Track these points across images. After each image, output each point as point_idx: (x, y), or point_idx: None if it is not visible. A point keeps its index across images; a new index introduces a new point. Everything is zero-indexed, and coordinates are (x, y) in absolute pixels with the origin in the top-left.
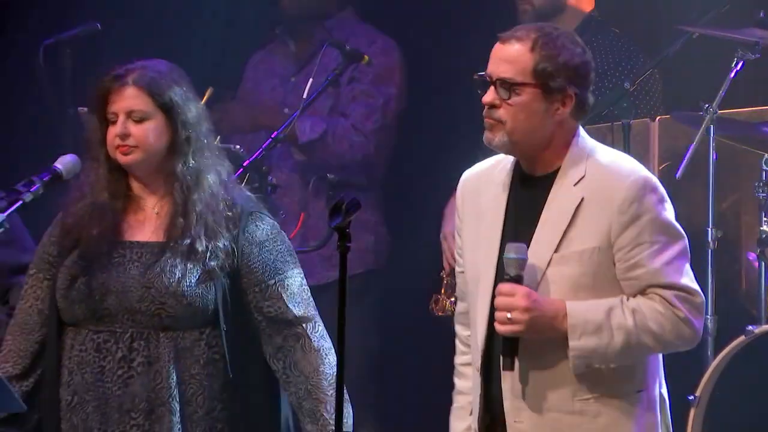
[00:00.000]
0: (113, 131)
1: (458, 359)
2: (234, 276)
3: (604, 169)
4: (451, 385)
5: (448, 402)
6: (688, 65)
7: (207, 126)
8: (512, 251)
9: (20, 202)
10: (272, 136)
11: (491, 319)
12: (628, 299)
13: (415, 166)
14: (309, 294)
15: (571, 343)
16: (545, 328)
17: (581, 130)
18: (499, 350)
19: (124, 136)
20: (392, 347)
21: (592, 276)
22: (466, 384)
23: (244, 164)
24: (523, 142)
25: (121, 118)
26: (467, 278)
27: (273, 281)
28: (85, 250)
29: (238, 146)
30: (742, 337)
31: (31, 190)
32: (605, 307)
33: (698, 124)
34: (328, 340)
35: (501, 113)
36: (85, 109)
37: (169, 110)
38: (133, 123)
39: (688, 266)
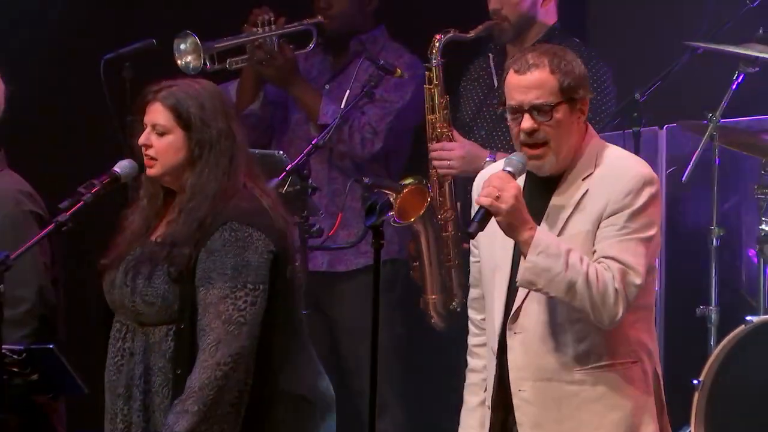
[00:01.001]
0: (140, 141)
1: (471, 340)
2: (192, 279)
3: (612, 166)
4: (465, 364)
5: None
6: (693, 78)
7: (228, 144)
8: (518, 156)
9: (82, 203)
10: (312, 142)
11: (508, 305)
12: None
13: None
14: (230, 313)
15: (529, 256)
16: (515, 226)
17: (590, 128)
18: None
19: (146, 146)
20: (416, 332)
21: (586, 256)
22: (479, 362)
23: (287, 168)
24: (563, 154)
25: (147, 129)
26: (483, 268)
27: (203, 290)
28: (114, 245)
29: (281, 152)
30: (742, 327)
31: (92, 191)
32: (567, 247)
33: (703, 132)
34: (218, 356)
35: (544, 134)
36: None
37: (188, 128)
38: (156, 136)
39: (645, 252)
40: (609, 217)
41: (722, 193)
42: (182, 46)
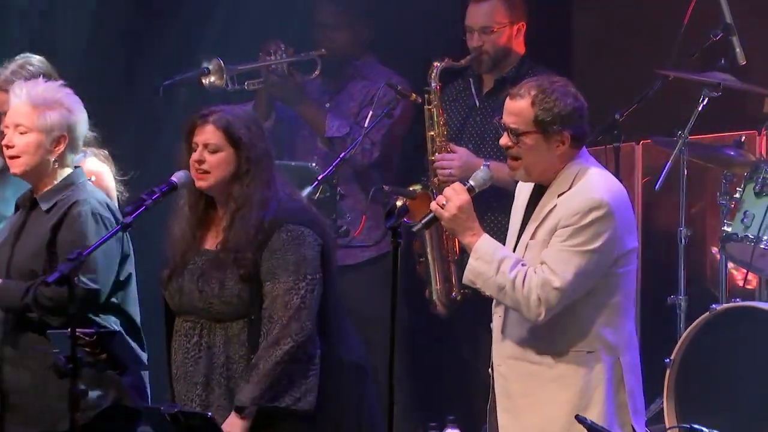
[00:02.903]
0: (193, 157)
1: None
2: (258, 276)
3: (578, 187)
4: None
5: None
6: (665, 101)
7: (268, 160)
8: (483, 172)
9: (143, 207)
10: (340, 156)
11: None
12: (524, 264)
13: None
14: (294, 302)
15: (470, 260)
16: (457, 231)
17: (583, 152)
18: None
19: (200, 162)
20: (420, 318)
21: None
22: None
23: (319, 178)
24: (536, 172)
25: (200, 148)
26: None
27: (269, 284)
28: (171, 255)
29: (314, 164)
30: (707, 313)
31: (153, 198)
32: (504, 254)
33: (673, 147)
34: (282, 338)
35: (515, 151)
36: None
37: (237, 146)
38: (208, 153)
39: (579, 262)
40: (559, 229)
41: (690, 199)
42: (209, 67)
